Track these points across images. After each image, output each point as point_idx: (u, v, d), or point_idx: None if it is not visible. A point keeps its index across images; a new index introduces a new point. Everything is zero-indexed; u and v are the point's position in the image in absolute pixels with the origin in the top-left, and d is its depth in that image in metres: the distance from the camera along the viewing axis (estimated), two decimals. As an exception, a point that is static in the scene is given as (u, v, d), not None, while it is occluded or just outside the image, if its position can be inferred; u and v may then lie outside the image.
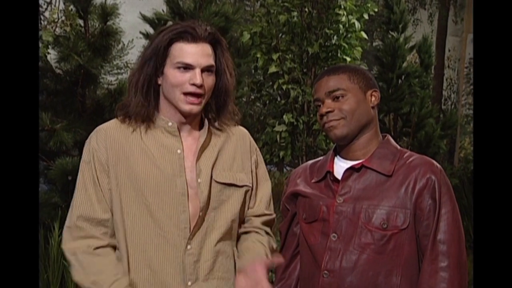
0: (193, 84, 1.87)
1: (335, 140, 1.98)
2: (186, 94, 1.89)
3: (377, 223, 1.88)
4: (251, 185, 2.04)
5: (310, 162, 2.13)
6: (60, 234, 3.16)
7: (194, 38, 1.89)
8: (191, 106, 1.90)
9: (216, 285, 1.95)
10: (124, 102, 1.97)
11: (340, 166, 1.98)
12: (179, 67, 1.88)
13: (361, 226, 1.89)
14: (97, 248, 1.89)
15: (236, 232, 2.04)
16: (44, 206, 3.72)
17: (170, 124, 1.94)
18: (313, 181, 2.02)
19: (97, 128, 1.98)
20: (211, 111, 2.00)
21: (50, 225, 3.63)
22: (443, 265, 1.82)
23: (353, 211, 1.91)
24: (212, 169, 1.96)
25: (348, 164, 1.97)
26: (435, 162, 1.94)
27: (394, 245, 1.87)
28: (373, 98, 1.98)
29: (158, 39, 1.92)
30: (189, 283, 1.90)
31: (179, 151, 1.93)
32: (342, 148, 1.99)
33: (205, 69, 1.90)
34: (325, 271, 1.90)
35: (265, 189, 2.08)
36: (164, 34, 1.93)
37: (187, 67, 1.88)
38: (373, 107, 1.98)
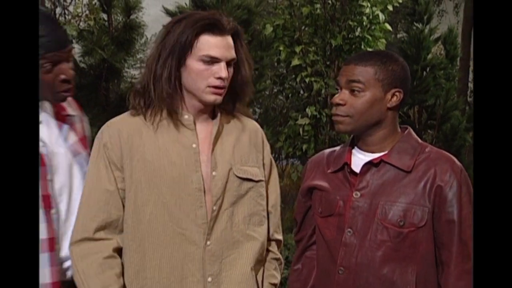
0: (219, 78, 1.85)
1: (337, 133, 1.95)
2: (211, 87, 1.86)
3: (394, 220, 1.84)
4: (264, 178, 2.01)
5: (327, 151, 2.07)
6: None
7: (220, 31, 1.85)
8: (215, 97, 1.87)
9: (238, 281, 1.92)
10: (139, 90, 1.90)
11: (358, 158, 1.92)
12: (204, 60, 1.85)
13: (377, 223, 1.85)
14: (106, 258, 1.86)
15: (257, 227, 2.00)
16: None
17: (186, 117, 1.90)
18: (329, 171, 1.97)
19: (108, 123, 1.92)
20: (227, 102, 1.96)
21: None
22: (468, 267, 1.78)
23: (370, 207, 1.86)
24: (230, 163, 1.93)
25: (366, 156, 1.91)
26: (456, 161, 1.85)
27: (411, 242, 1.83)
28: (393, 98, 1.88)
29: (181, 30, 1.86)
30: (209, 279, 1.88)
31: (194, 145, 1.89)
32: (358, 139, 1.92)
33: (229, 62, 1.87)
34: (341, 268, 1.87)
35: (276, 214, 2.02)
36: (188, 25, 1.86)
37: (213, 60, 1.85)
38: (390, 108, 1.89)
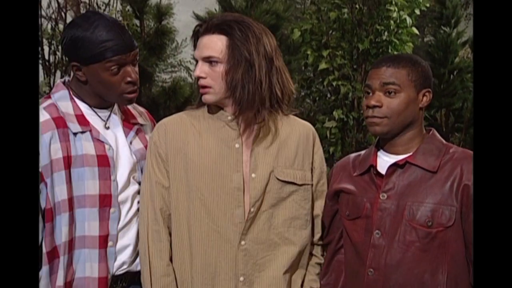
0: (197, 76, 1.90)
1: (373, 135, 1.93)
2: (199, 86, 1.92)
3: (422, 220, 1.84)
4: (311, 182, 2.00)
5: (352, 155, 2.07)
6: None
7: (204, 30, 1.89)
8: (203, 96, 1.91)
9: (268, 283, 1.93)
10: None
11: (383, 160, 1.94)
12: (197, 60, 1.92)
13: (405, 224, 1.85)
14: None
15: (299, 231, 1.99)
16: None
17: (230, 117, 1.93)
18: (355, 174, 1.97)
19: (160, 122, 2.00)
20: (261, 103, 1.94)
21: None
22: None
23: (397, 208, 1.86)
24: (272, 165, 1.94)
25: (391, 158, 1.92)
26: None
27: (440, 242, 1.83)
28: (424, 99, 1.91)
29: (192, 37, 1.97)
30: (241, 279, 1.90)
31: (237, 145, 1.92)
32: (384, 142, 1.95)
33: (206, 60, 1.89)
34: (370, 269, 1.87)
35: (319, 218, 2.04)
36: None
37: (197, 60, 1.92)
38: (421, 108, 1.92)
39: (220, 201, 1.89)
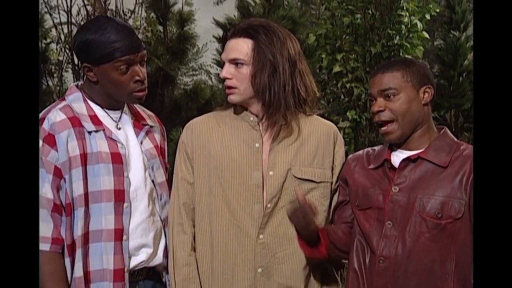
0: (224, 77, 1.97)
1: (389, 142, 1.98)
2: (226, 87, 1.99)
3: (432, 212, 1.87)
4: (331, 180, 2.03)
5: (367, 149, 2.10)
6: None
7: (232, 34, 1.98)
8: (229, 96, 1.98)
9: (286, 277, 1.98)
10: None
11: (396, 156, 1.97)
12: (224, 62, 1.99)
13: (416, 215, 1.88)
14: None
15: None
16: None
17: (252, 118, 1.99)
18: (370, 167, 1.99)
19: (189, 122, 2.09)
20: (286, 105, 1.98)
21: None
22: None
23: (408, 200, 1.89)
24: (290, 163, 1.97)
25: (404, 154, 1.95)
26: None
27: (449, 233, 1.86)
28: (426, 95, 1.94)
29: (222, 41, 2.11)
30: (259, 270, 1.95)
31: (257, 145, 1.97)
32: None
33: (232, 62, 1.96)
34: (381, 258, 1.89)
35: None
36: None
37: (224, 62, 1.99)
38: (425, 104, 1.95)
39: (240, 197, 1.95)
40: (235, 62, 1.95)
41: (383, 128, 1.94)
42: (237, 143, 1.99)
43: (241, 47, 1.95)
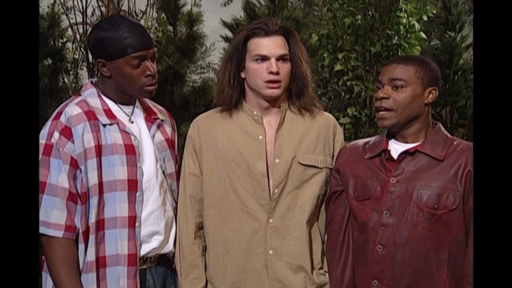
0: (271, 72, 2.00)
1: (382, 128, 2.04)
2: (267, 82, 2.02)
3: (429, 203, 1.91)
4: (331, 166, 2.11)
5: (362, 140, 2.13)
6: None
7: (266, 32, 2.02)
8: (272, 90, 2.02)
9: (295, 257, 2.06)
10: (217, 94, 2.14)
11: (394, 147, 2.01)
12: (257, 59, 2.03)
13: (413, 205, 1.92)
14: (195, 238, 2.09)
15: (320, 212, 2.11)
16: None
17: (255, 113, 2.07)
18: (366, 156, 2.02)
19: (195, 119, 2.18)
20: (292, 97, 2.09)
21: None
22: None
23: (406, 191, 1.93)
24: (294, 151, 2.05)
25: (401, 145, 1.99)
26: None
27: (443, 223, 1.91)
28: (430, 96, 1.98)
29: (236, 38, 2.09)
30: (271, 252, 2.04)
31: (260, 137, 2.06)
32: (395, 132, 2.03)
33: (279, 58, 2.02)
34: (379, 246, 1.94)
35: None
36: (240, 33, 2.08)
37: (264, 58, 2.02)
38: (427, 104, 1.99)
39: (247, 185, 2.04)
40: (283, 58, 2.03)
41: (380, 113, 1.97)
42: (241, 136, 2.07)
43: (284, 44, 2.04)
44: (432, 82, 1.98)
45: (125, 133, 2.05)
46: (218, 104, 2.14)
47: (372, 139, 2.10)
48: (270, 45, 2.02)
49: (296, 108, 2.10)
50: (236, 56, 2.08)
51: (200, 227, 2.11)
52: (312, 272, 2.08)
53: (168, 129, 2.22)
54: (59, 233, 1.96)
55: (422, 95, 1.96)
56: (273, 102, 2.08)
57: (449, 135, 2.03)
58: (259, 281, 2.04)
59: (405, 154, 1.97)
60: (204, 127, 2.11)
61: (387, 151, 2.00)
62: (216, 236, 2.08)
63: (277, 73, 2.01)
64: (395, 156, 1.98)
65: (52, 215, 1.95)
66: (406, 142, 1.99)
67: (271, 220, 2.04)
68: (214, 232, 2.08)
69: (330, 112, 2.27)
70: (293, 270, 2.05)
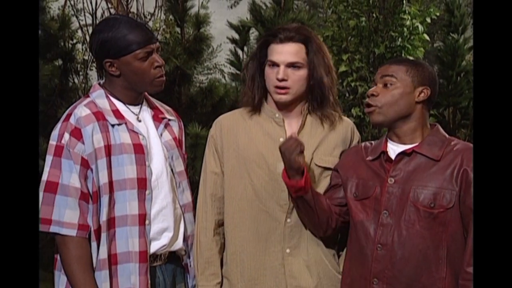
0: (277, 79, 2.03)
1: (372, 123, 2.06)
2: (275, 87, 2.05)
3: (425, 202, 1.92)
4: None
5: (365, 143, 2.15)
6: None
7: (281, 39, 2.05)
8: (280, 96, 2.05)
9: (312, 254, 2.08)
10: (241, 94, 2.20)
11: (392, 149, 2.02)
12: (270, 65, 2.06)
13: (410, 205, 1.93)
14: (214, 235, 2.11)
15: None
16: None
17: (277, 115, 2.10)
18: (368, 158, 2.05)
19: (217, 118, 2.20)
20: (313, 103, 2.11)
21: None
22: None
23: (403, 191, 1.94)
24: (313, 154, 2.08)
25: (399, 147, 2.01)
26: None
27: (441, 222, 1.92)
28: (421, 94, 1.98)
29: (259, 42, 2.13)
30: (288, 251, 2.06)
31: (281, 139, 2.06)
32: (391, 133, 2.04)
33: (289, 65, 2.04)
34: (379, 245, 1.95)
35: None
36: (261, 38, 2.13)
37: (275, 64, 2.05)
38: (418, 102, 1.99)
39: (267, 186, 2.06)
40: (293, 66, 2.05)
41: (367, 108, 2.01)
42: (263, 137, 2.09)
43: (297, 51, 2.05)
44: (424, 81, 1.99)
45: (133, 132, 2.06)
46: (242, 104, 2.18)
47: (373, 142, 2.14)
48: (281, 52, 2.04)
49: (316, 115, 2.13)
50: (257, 59, 2.12)
51: (219, 224, 2.14)
52: (327, 271, 2.11)
53: (175, 128, 2.23)
54: (73, 232, 1.98)
55: (412, 93, 1.98)
56: (292, 106, 2.10)
57: (447, 135, 2.05)
58: (276, 278, 2.06)
59: (402, 155, 1.99)
60: (227, 127, 2.13)
61: (385, 153, 2.03)
62: (235, 234, 2.10)
63: (284, 80, 2.04)
64: (393, 157, 2.01)
65: (66, 215, 1.97)
66: (403, 143, 2.01)
67: (288, 220, 2.06)
68: (232, 230, 2.10)
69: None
70: (309, 268, 2.08)
